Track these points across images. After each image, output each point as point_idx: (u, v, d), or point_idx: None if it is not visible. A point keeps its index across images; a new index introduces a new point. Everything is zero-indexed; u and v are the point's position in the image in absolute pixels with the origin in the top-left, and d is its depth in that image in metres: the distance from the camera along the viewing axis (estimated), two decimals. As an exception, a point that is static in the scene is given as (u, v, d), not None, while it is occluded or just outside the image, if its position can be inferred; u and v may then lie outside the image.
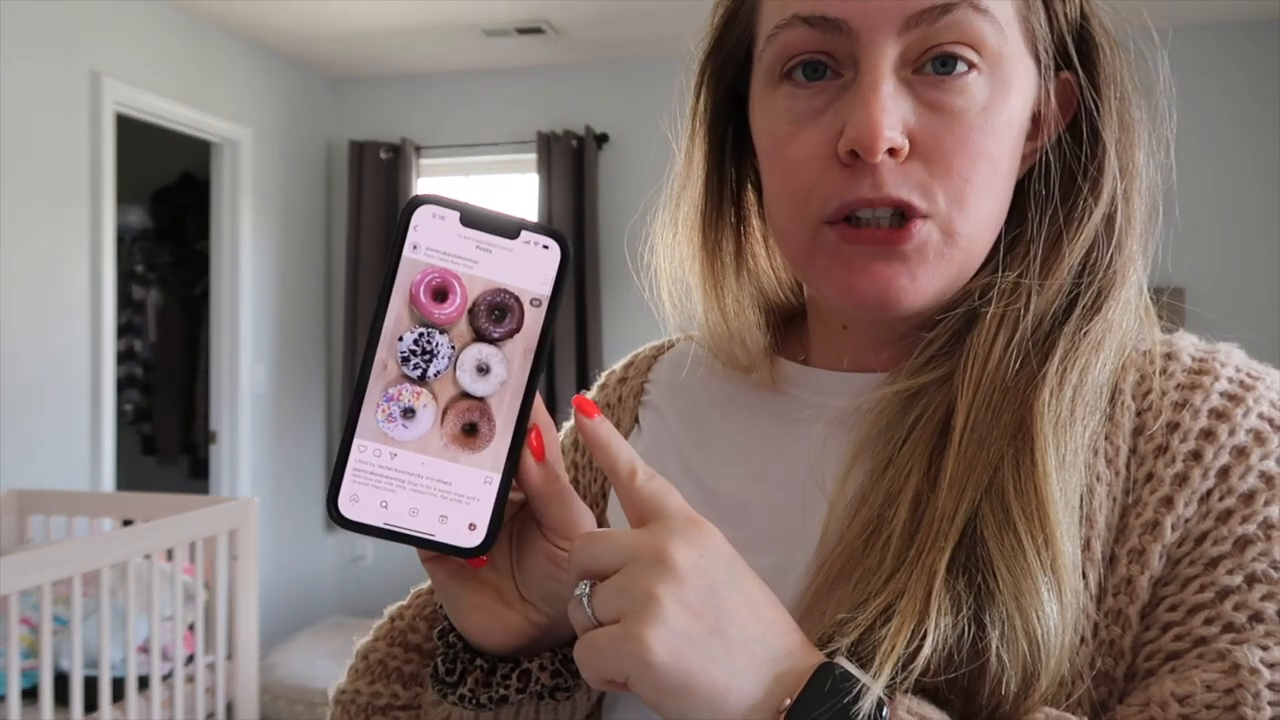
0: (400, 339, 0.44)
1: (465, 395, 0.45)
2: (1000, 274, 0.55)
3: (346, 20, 3.69)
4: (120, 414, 4.06)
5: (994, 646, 0.45)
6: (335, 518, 0.45)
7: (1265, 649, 0.44)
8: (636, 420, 0.69)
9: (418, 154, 4.32)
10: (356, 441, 0.44)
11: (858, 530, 0.51)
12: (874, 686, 0.42)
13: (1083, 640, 0.47)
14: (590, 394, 0.73)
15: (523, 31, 3.78)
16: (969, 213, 0.52)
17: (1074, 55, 0.55)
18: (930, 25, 0.50)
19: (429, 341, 0.44)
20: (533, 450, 0.47)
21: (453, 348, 0.44)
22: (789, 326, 0.67)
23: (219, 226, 3.83)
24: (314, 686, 3.37)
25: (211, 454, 3.86)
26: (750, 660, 0.42)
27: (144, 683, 2.61)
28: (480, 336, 0.45)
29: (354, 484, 0.44)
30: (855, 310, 0.55)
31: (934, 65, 0.51)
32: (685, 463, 0.64)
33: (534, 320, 0.45)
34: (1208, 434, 0.50)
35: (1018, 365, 0.52)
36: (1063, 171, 0.55)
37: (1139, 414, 0.52)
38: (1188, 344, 0.56)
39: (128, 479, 4.12)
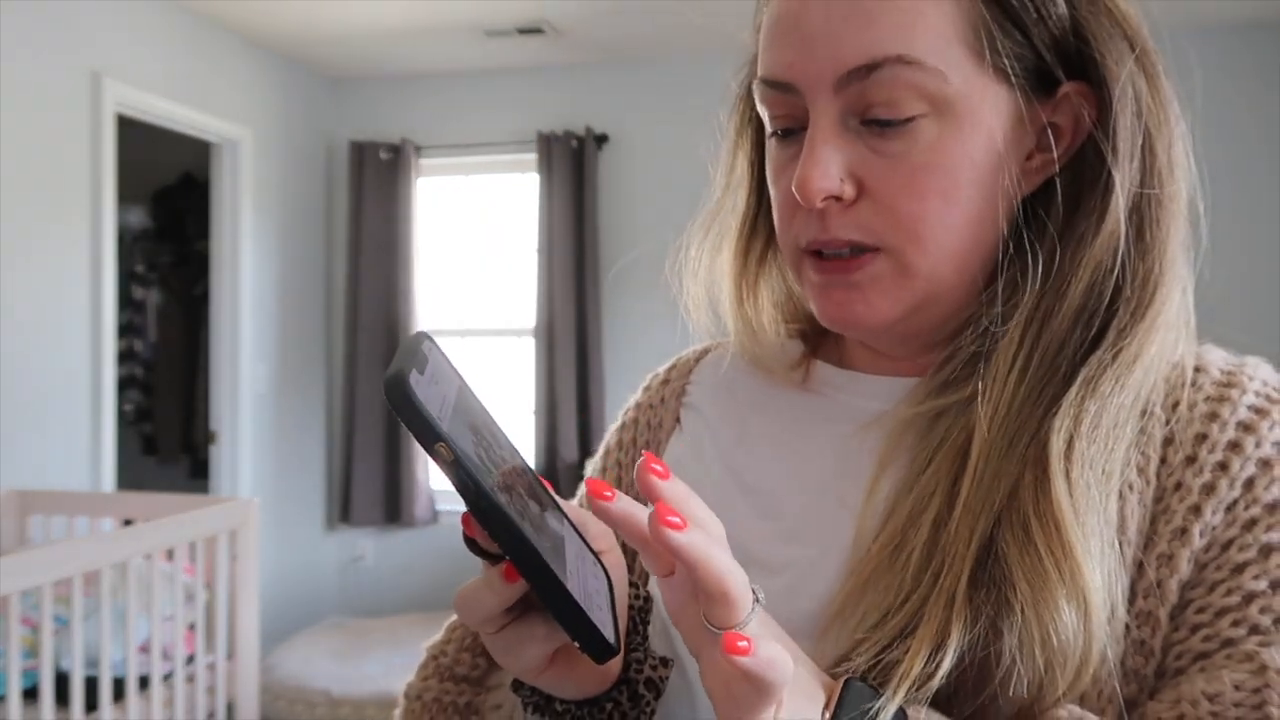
0: (509, 492, 0.43)
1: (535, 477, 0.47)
2: (1020, 292, 0.55)
3: (346, 20, 3.69)
4: (120, 414, 4.06)
5: (1009, 653, 0.48)
6: (616, 649, 0.44)
7: None
8: (678, 420, 0.72)
9: (418, 154, 4.32)
10: (569, 588, 0.42)
11: (884, 543, 0.54)
12: (891, 704, 0.46)
13: (1116, 641, 0.50)
14: (635, 397, 0.77)
15: (523, 31, 3.79)
16: (925, 247, 0.55)
17: (1057, 68, 0.55)
18: (862, 82, 0.53)
19: (516, 475, 0.45)
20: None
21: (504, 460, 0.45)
22: (825, 330, 0.70)
23: (219, 226, 3.83)
24: (314, 686, 3.37)
25: (212, 454, 3.86)
26: (809, 688, 0.45)
27: (144, 683, 2.61)
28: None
29: (594, 617, 0.43)
30: (831, 328, 0.60)
31: (880, 114, 0.54)
32: (726, 460, 0.67)
33: (474, 399, 0.46)
34: (1235, 446, 0.52)
35: (1037, 392, 0.54)
36: (1073, 185, 0.56)
37: (1168, 424, 0.54)
38: (1216, 357, 0.58)
39: (128, 479, 4.12)
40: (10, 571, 2.08)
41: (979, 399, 0.54)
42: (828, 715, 0.44)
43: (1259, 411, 0.53)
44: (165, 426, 4.46)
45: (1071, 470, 0.51)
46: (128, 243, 4.37)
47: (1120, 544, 0.51)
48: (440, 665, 0.68)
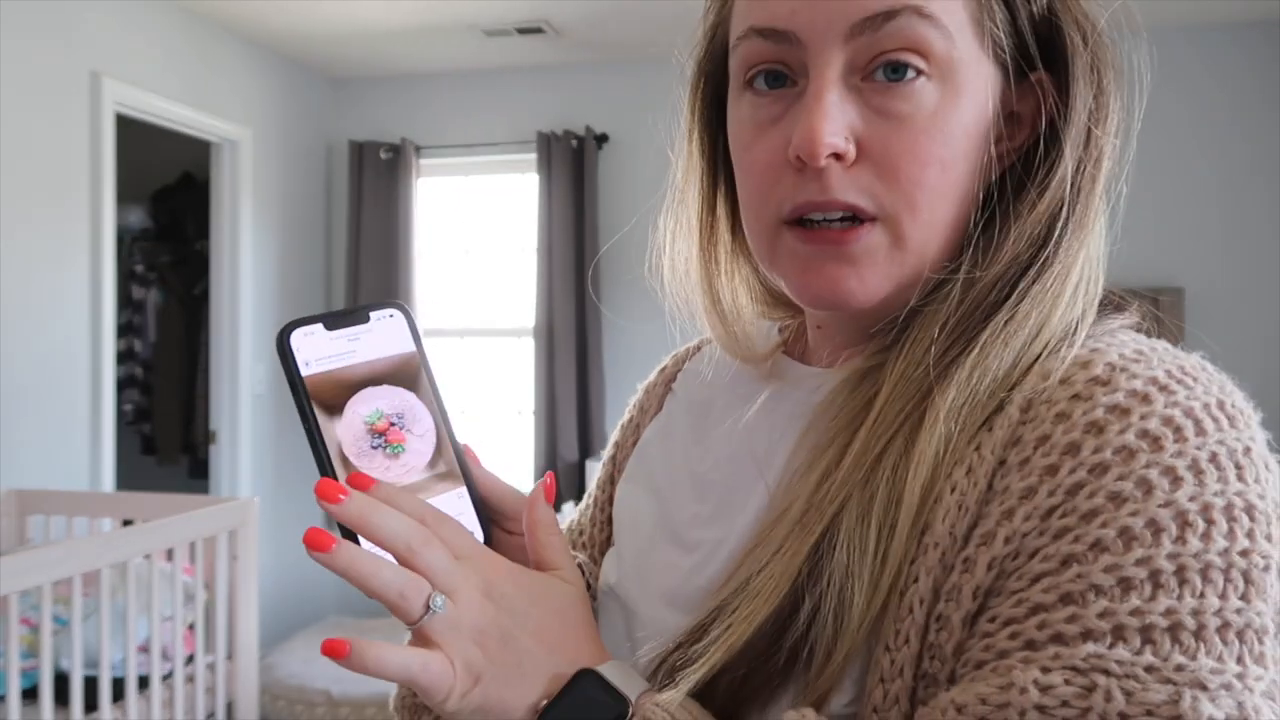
0: (347, 436, 0.50)
1: (409, 449, 0.54)
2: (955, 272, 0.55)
3: (346, 20, 3.69)
4: (120, 414, 4.06)
5: (803, 620, 0.49)
6: None
7: (1046, 671, 0.43)
8: (661, 406, 0.74)
9: (418, 154, 4.32)
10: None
11: (779, 500, 0.55)
12: (630, 695, 0.50)
13: (906, 641, 0.48)
14: (648, 378, 0.80)
15: (523, 31, 3.78)
16: (919, 216, 0.53)
17: (1036, 56, 0.55)
18: (874, 33, 0.52)
19: (374, 430, 0.51)
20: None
21: (381, 418, 0.52)
22: (795, 324, 0.70)
23: (219, 226, 3.83)
24: (314, 686, 3.37)
25: (211, 454, 3.86)
26: (534, 676, 0.50)
27: (144, 683, 2.61)
28: (388, 402, 0.53)
29: None
30: (811, 307, 0.58)
31: (882, 72, 0.52)
32: (684, 444, 0.69)
33: (414, 369, 0.53)
34: (1073, 448, 0.47)
35: (939, 354, 0.53)
36: (1024, 172, 0.56)
37: (1022, 424, 0.50)
38: (1115, 353, 0.51)
39: (128, 479, 4.12)
40: (10, 571, 2.08)
41: (894, 355, 0.54)
42: (544, 703, 0.49)
43: (1120, 411, 0.47)
44: (165, 426, 4.45)
45: (935, 445, 0.50)
46: (127, 243, 4.37)
47: (926, 545, 0.48)
48: (407, 707, 0.69)
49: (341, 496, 0.48)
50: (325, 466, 0.49)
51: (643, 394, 0.78)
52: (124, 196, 3.73)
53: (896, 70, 0.52)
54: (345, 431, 0.50)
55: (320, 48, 4.03)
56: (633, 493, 0.70)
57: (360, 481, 0.49)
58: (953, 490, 0.49)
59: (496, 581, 0.51)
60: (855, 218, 0.54)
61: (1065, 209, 0.54)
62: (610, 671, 0.51)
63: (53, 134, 3.01)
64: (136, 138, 3.85)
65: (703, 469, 0.65)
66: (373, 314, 0.51)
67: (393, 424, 0.51)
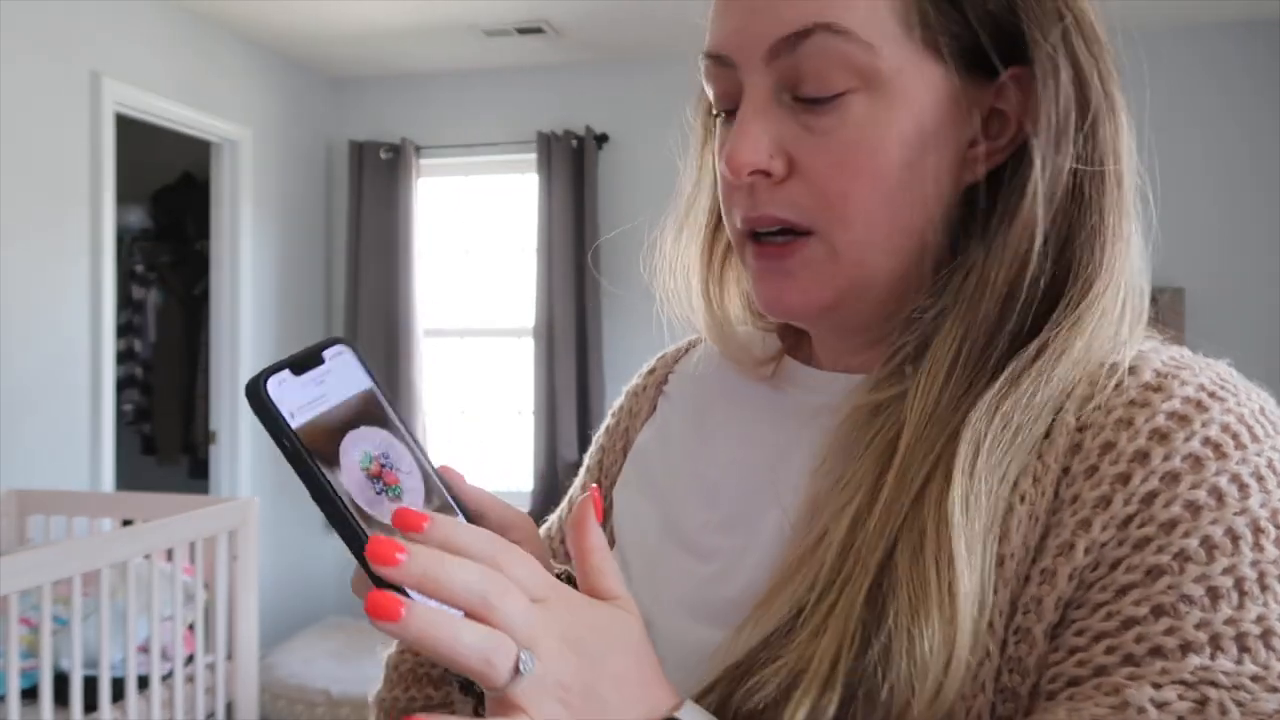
0: (352, 486, 0.46)
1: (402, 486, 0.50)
2: (952, 283, 0.54)
3: (346, 20, 3.69)
4: (120, 414, 4.06)
5: (873, 663, 0.47)
6: None
7: (1158, 687, 0.43)
8: (654, 409, 0.73)
9: (418, 154, 4.32)
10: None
11: (805, 534, 0.54)
12: None
13: (987, 655, 0.47)
14: (627, 386, 0.78)
15: (523, 31, 3.79)
16: (853, 229, 0.54)
17: (992, 51, 0.53)
18: (792, 53, 0.53)
19: (370, 475, 0.48)
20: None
21: (372, 461, 0.49)
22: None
23: (219, 226, 3.83)
24: (314, 686, 3.37)
25: (211, 454, 3.86)
26: None
27: (144, 683, 2.61)
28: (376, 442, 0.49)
29: None
30: (768, 316, 0.60)
31: (809, 90, 0.53)
32: (686, 448, 0.68)
33: (378, 403, 0.50)
34: (1142, 456, 0.48)
35: (965, 385, 0.52)
36: (1006, 173, 0.54)
37: (1080, 430, 0.50)
38: (1156, 359, 0.52)
39: (127, 479, 4.12)
40: (10, 571, 2.08)
41: (911, 392, 0.53)
42: None
43: (1181, 419, 0.48)
44: (165, 426, 4.46)
45: (976, 473, 0.49)
46: (127, 243, 4.37)
47: (1002, 557, 0.48)
48: (401, 673, 0.70)
49: (400, 556, 0.40)
50: (351, 522, 0.44)
51: (628, 398, 0.76)
52: (124, 196, 3.73)
53: (818, 93, 0.53)
54: (350, 482, 0.45)
55: (320, 48, 4.03)
56: (632, 499, 0.69)
57: (410, 521, 0.42)
58: (1022, 500, 0.49)
59: (574, 625, 0.45)
60: (794, 231, 0.55)
61: (1082, 213, 0.53)
62: (691, 716, 0.47)
63: (53, 134, 3.01)
64: (136, 138, 3.85)
65: (707, 471, 0.65)
66: (325, 353, 0.47)
67: (384, 465, 0.48)
